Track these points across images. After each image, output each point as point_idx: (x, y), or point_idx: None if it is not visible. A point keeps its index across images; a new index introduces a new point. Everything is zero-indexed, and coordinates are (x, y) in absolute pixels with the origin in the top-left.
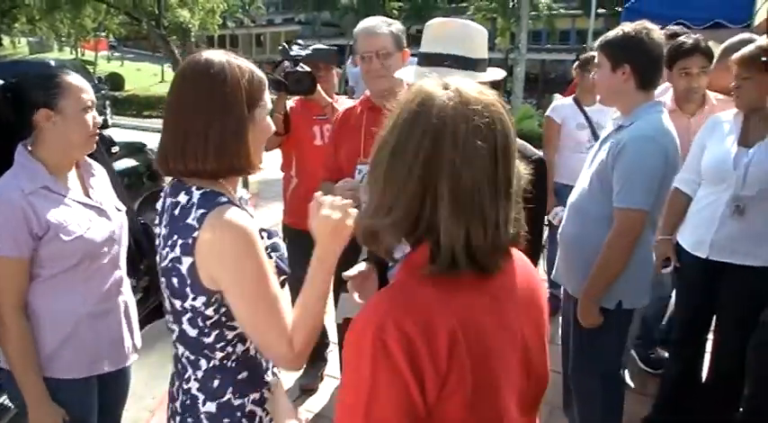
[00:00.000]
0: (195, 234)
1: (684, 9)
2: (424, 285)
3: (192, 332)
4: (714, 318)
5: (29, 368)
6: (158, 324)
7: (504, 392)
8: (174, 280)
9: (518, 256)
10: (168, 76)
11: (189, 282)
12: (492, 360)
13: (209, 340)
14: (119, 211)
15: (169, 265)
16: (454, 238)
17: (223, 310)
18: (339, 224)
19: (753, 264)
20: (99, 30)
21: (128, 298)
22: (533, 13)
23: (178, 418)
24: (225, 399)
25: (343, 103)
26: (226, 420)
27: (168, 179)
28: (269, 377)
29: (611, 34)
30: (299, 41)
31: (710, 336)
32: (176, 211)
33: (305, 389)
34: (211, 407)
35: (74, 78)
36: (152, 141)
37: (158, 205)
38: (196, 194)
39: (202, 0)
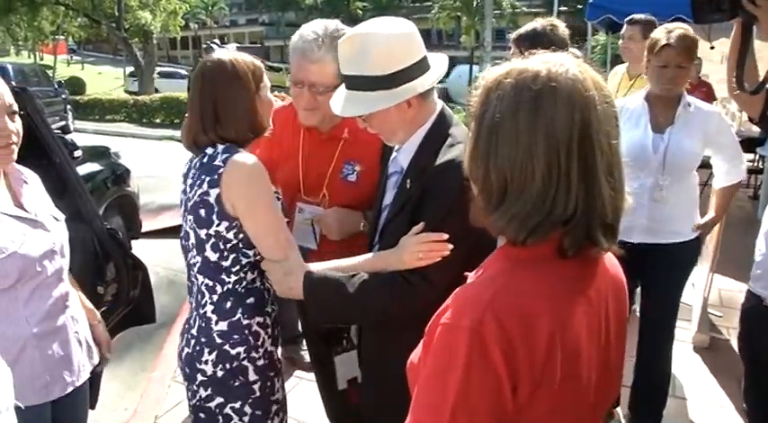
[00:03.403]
0: (220, 170)
1: (646, 5)
2: (526, 280)
3: (214, 256)
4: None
5: None
6: (128, 334)
7: (584, 399)
8: (202, 211)
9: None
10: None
11: (216, 209)
12: (580, 367)
13: (226, 263)
14: (57, 220)
15: (198, 200)
16: (606, 219)
17: (241, 236)
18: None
19: (674, 241)
20: (58, 33)
21: (75, 312)
22: (497, 11)
23: (193, 342)
24: (235, 318)
25: None
26: (235, 336)
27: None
28: (269, 308)
29: (522, 29)
30: (217, 41)
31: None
32: (204, 160)
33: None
34: (223, 325)
35: None
36: (116, 145)
37: (183, 170)
38: (220, 147)
39: (164, 1)
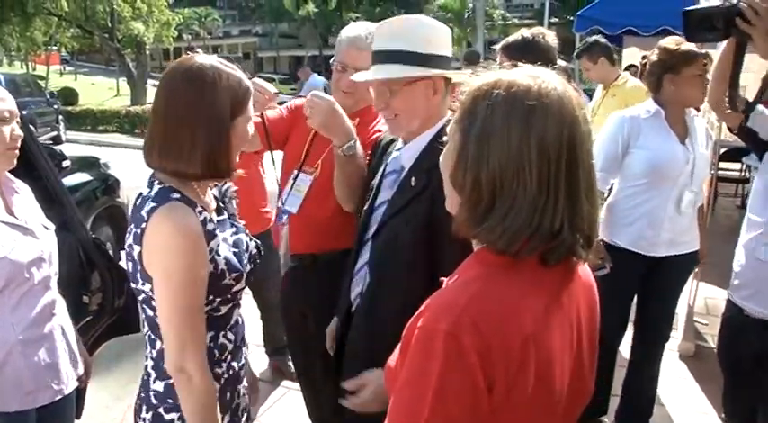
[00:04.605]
0: (143, 225)
1: (633, 17)
2: (503, 285)
3: (149, 312)
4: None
5: None
6: (117, 345)
7: (557, 404)
8: (130, 264)
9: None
10: (123, 90)
11: (139, 268)
12: (553, 373)
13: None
14: (47, 229)
15: (127, 250)
16: (584, 232)
17: None
18: None
19: (689, 250)
20: (50, 43)
21: (62, 321)
22: (488, 22)
23: (137, 392)
24: (171, 380)
25: None
26: (170, 400)
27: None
28: (220, 368)
29: (510, 38)
30: (199, 50)
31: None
32: (138, 202)
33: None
34: (159, 385)
35: None
36: (108, 156)
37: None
38: (156, 188)
39: (157, 12)
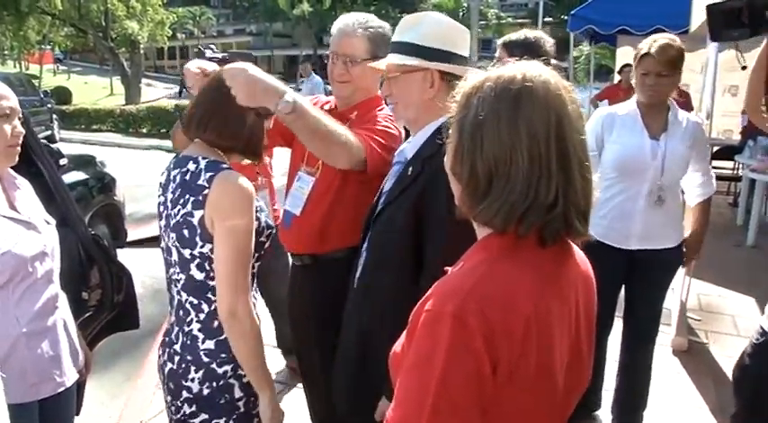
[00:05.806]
0: (205, 192)
1: (627, 17)
2: (506, 268)
3: (200, 276)
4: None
5: None
6: (114, 343)
7: (557, 384)
8: (186, 232)
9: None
10: (117, 89)
11: (199, 231)
12: (554, 349)
13: (213, 283)
14: (48, 224)
15: (181, 220)
16: (580, 207)
17: None
18: None
19: (666, 246)
20: (44, 42)
21: (65, 315)
22: (482, 21)
23: (177, 358)
24: (222, 337)
25: None
26: (222, 355)
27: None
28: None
29: (513, 36)
30: (212, 46)
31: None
32: (187, 177)
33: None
34: (210, 344)
35: None
36: (102, 155)
37: (161, 179)
38: (203, 162)
39: (151, 11)
